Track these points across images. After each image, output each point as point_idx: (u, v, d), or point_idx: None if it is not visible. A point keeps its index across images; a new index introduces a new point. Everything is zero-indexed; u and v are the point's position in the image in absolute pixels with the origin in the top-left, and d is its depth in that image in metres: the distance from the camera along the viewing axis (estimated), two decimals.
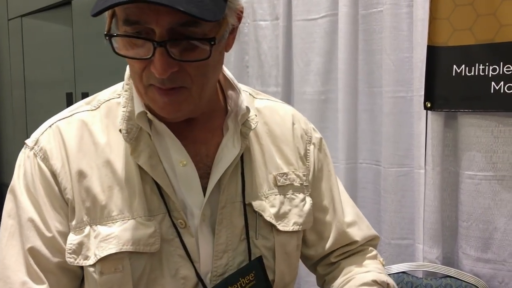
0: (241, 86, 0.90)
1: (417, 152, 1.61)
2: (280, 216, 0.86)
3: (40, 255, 0.78)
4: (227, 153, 0.82)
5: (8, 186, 0.81)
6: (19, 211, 0.79)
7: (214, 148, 0.83)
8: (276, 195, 0.87)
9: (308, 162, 0.93)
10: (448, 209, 1.59)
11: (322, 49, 1.86)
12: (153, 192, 0.79)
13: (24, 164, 0.82)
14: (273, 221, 0.85)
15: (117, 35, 0.71)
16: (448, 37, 1.52)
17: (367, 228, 1.02)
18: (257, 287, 0.83)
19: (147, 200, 0.79)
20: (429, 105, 1.56)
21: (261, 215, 0.84)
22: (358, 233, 0.99)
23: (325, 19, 1.83)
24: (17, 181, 0.81)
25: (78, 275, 0.82)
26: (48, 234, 0.78)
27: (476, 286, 1.48)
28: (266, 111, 0.93)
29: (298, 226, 0.88)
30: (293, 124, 0.94)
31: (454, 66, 1.51)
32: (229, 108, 0.86)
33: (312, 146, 0.95)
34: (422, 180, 1.59)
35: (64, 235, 0.79)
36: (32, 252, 0.78)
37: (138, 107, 0.79)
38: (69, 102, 3.27)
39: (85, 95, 3.12)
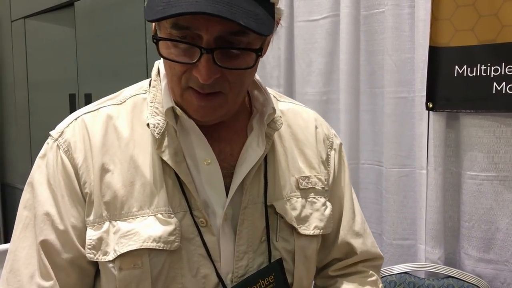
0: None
1: (419, 153, 1.61)
2: (301, 219, 0.85)
3: (53, 249, 0.78)
4: (252, 153, 0.82)
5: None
6: (36, 203, 0.79)
7: (238, 148, 0.83)
8: (298, 198, 0.86)
9: (329, 167, 0.93)
10: (450, 210, 1.59)
11: (323, 49, 1.86)
12: (175, 189, 0.79)
13: (47, 155, 0.81)
14: (295, 224, 0.84)
15: (165, 39, 0.71)
16: (450, 37, 1.52)
17: (371, 245, 0.99)
18: None
19: (169, 197, 0.78)
20: (431, 105, 1.56)
21: (282, 217, 0.83)
22: (360, 246, 0.97)
23: (327, 20, 1.84)
24: (37, 172, 0.81)
25: (90, 273, 0.81)
26: (63, 229, 0.78)
27: (478, 287, 1.48)
28: (290, 114, 0.93)
29: (319, 230, 0.87)
30: (316, 128, 0.94)
31: (456, 67, 1.51)
32: (254, 109, 0.86)
33: (333, 152, 0.94)
34: (424, 181, 1.59)
35: (79, 231, 0.78)
36: (45, 245, 0.78)
37: (167, 103, 0.79)
38: (72, 103, 3.28)
39: (87, 96, 3.13)
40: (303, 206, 0.86)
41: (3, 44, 4.15)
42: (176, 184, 0.79)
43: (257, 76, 0.87)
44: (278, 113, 0.85)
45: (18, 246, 0.79)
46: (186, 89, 0.74)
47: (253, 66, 0.72)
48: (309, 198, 0.87)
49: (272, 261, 0.83)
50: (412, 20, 1.61)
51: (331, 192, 0.93)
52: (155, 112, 0.80)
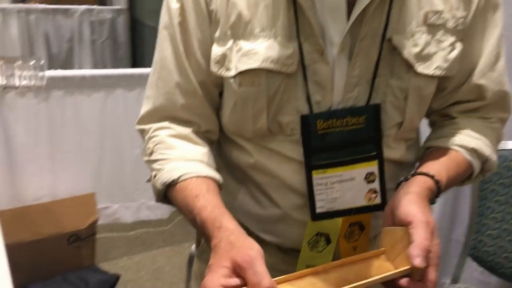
0: None
1: None
2: (422, 57, 0.79)
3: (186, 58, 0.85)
4: None
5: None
6: (172, 20, 0.84)
7: None
8: (423, 34, 0.79)
9: (472, 4, 0.81)
10: None
11: None
12: (296, 15, 0.77)
13: None
14: (413, 61, 0.79)
15: None
16: None
17: (504, 95, 0.89)
18: (362, 132, 0.81)
19: (289, 21, 0.77)
20: None
21: (399, 53, 0.78)
22: (491, 91, 0.87)
23: None
24: None
25: (216, 95, 0.87)
26: (190, 43, 0.83)
27: None
28: None
29: (440, 71, 0.80)
30: None
31: None
32: None
33: None
34: None
35: (205, 45, 0.83)
36: (186, 51, 0.84)
37: None
38: None
39: None
40: (428, 43, 0.79)
41: None
42: (299, 9, 0.77)
43: None
44: None
45: (163, 56, 0.85)
46: None
47: None
48: (436, 35, 0.79)
49: (377, 98, 0.80)
50: None
51: (469, 32, 0.83)
52: None
